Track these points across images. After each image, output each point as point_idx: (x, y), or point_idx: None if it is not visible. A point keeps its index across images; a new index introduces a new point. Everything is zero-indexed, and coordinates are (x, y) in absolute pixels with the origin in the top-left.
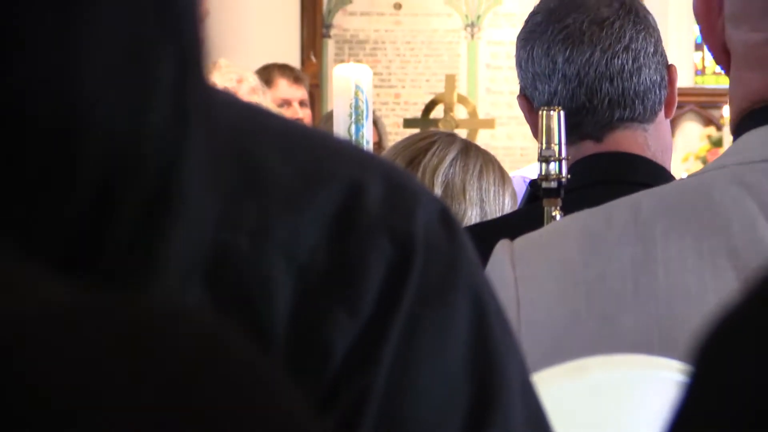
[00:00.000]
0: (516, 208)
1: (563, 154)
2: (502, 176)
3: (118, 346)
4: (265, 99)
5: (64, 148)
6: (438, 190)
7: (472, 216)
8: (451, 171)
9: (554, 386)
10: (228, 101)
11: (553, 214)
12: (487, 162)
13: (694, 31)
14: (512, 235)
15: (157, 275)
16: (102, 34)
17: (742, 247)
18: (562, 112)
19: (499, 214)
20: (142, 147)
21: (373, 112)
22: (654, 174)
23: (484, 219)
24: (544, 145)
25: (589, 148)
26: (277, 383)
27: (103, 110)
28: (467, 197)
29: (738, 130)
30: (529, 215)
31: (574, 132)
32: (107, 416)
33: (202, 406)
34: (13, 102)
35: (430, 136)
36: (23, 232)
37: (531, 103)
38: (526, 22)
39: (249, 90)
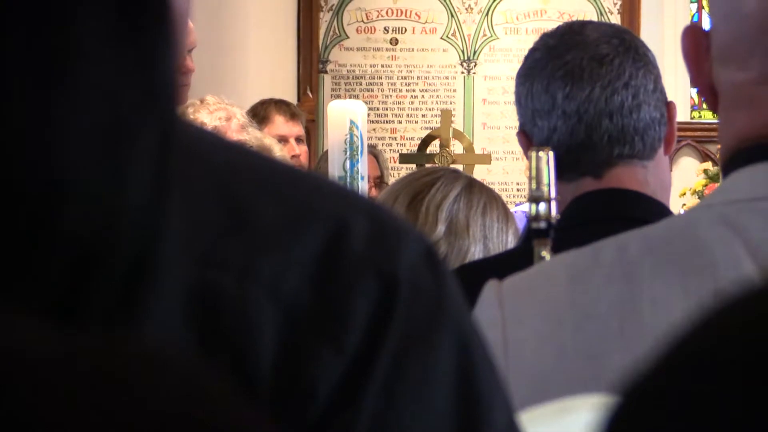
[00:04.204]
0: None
1: (553, 195)
2: (506, 214)
3: (95, 394)
4: (255, 134)
5: (47, 215)
6: (441, 226)
7: (475, 253)
8: (455, 207)
9: (540, 427)
10: (214, 141)
11: (542, 254)
12: (491, 199)
13: None
14: (508, 274)
15: (140, 323)
16: (84, 109)
17: (728, 287)
18: (551, 153)
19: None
20: (122, 216)
21: (373, 146)
22: (653, 211)
23: (487, 256)
24: (534, 186)
25: (588, 184)
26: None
27: (84, 182)
28: (471, 234)
29: (726, 170)
30: (525, 254)
31: (574, 168)
32: None
33: None
34: None
35: (435, 171)
36: (11, 284)
37: (530, 140)
38: (526, 58)
39: (238, 127)
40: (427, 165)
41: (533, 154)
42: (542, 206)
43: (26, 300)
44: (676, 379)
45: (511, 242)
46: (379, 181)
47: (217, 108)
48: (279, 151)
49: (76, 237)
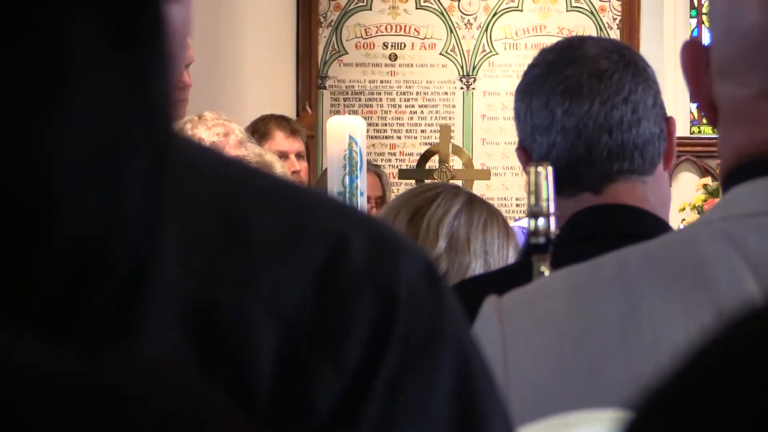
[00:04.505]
0: None
1: (552, 210)
2: (506, 229)
3: (90, 413)
4: (253, 149)
5: (45, 219)
6: (442, 242)
7: (476, 268)
8: (455, 223)
9: None
10: (212, 156)
11: (542, 270)
12: (491, 215)
13: None
14: (508, 289)
15: (136, 339)
16: (78, 127)
17: (728, 302)
18: (550, 168)
19: None
20: (120, 220)
21: (377, 166)
22: (653, 226)
23: (487, 271)
24: (533, 201)
25: (588, 200)
26: None
27: (78, 199)
28: (471, 249)
29: (726, 185)
30: (524, 269)
31: (574, 184)
32: None
33: None
34: None
35: (435, 187)
36: (7, 300)
37: (529, 156)
38: (525, 74)
39: (236, 143)
40: (427, 181)
41: (532, 170)
42: (541, 221)
43: (25, 303)
44: (687, 395)
45: (511, 258)
46: (380, 200)
47: (215, 124)
48: (280, 168)
49: (75, 241)
